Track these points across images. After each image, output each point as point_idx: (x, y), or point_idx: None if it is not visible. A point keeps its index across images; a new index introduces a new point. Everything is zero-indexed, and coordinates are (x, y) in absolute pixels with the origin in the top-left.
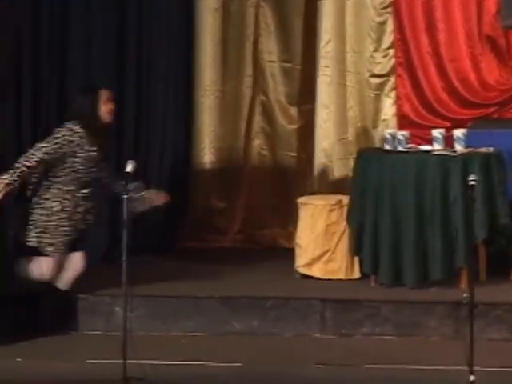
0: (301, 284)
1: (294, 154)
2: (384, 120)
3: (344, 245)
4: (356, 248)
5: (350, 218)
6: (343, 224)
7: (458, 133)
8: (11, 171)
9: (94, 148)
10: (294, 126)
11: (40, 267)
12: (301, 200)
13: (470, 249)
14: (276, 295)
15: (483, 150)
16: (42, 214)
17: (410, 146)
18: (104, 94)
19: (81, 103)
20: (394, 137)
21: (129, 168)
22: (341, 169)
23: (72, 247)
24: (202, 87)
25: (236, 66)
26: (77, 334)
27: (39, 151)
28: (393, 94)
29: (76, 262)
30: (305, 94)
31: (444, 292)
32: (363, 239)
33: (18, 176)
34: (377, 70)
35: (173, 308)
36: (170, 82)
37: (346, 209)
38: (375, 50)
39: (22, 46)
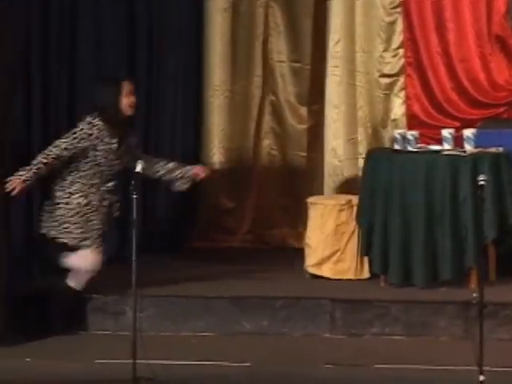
0: (310, 284)
1: (304, 154)
2: (394, 120)
3: (354, 245)
4: (365, 248)
5: (359, 217)
6: (353, 224)
7: (468, 133)
8: (28, 168)
9: (115, 140)
10: (304, 126)
11: (79, 262)
12: (310, 200)
13: (480, 249)
14: (286, 295)
15: (493, 149)
16: (68, 210)
17: (419, 145)
18: (126, 87)
19: (102, 95)
20: (403, 137)
21: (138, 168)
22: (350, 169)
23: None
24: (212, 87)
25: (245, 65)
26: (86, 333)
27: (57, 148)
28: (402, 93)
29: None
30: (314, 94)
31: (453, 292)
32: (373, 239)
33: (35, 173)
34: (386, 70)
35: (183, 308)
36: (179, 82)
37: (355, 209)
38: (385, 50)
39: (31, 40)
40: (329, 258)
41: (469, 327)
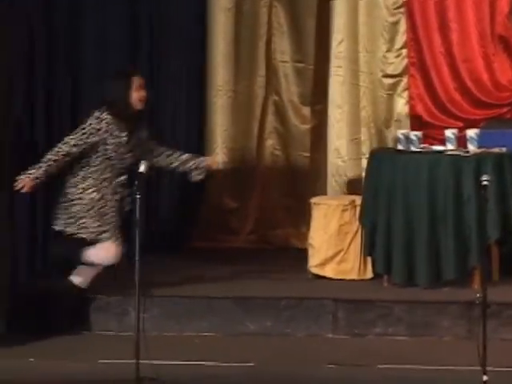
0: (314, 284)
1: (307, 154)
2: (397, 120)
3: (357, 245)
4: (369, 248)
5: (362, 218)
6: (356, 224)
7: (471, 133)
8: (37, 166)
9: (124, 134)
10: (307, 126)
11: (101, 255)
12: (314, 200)
13: (483, 249)
14: (289, 295)
15: (496, 150)
16: (83, 205)
17: (422, 146)
18: (137, 81)
19: (112, 89)
20: (406, 137)
21: (142, 168)
22: (353, 169)
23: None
24: (215, 87)
25: (249, 65)
26: (89, 334)
27: (66, 144)
28: (405, 94)
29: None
30: (317, 94)
31: (457, 292)
32: (376, 239)
33: (45, 170)
34: (389, 70)
35: (186, 308)
36: (182, 82)
37: (358, 209)
38: (388, 50)
39: (34, 41)
40: (332, 258)
41: (472, 327)
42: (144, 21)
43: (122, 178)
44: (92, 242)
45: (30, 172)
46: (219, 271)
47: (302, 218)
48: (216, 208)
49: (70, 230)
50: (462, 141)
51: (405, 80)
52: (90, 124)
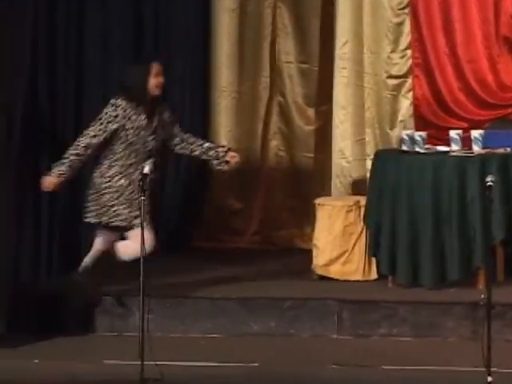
0: (318, 285)
1: (311, 155)
2: (401, 121)
3: (361, 246)
4: (373, 249)
5: (367, 218)
6: (360, 225)
7: (476, 134)
8: (60, 162)
9: (143, 116)
10: (311, 127)
11: (137, 245)
12: (318, 201)
13: (488, 249)
14: (293, 296)
15: (501, 150)
16: (113, 193)
17: (427, 146)
18: (155, 68)
19: (131, 74)
20: (411, 138)
21: (146, 169)
22: (358, 170)
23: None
24: (219, 88)
25: (253, 66)
26: (94, 335)
27: (86, 137)
28: (410, 95)
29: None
30: (322, 95)
31: (461, 293)
32: (380, 240)
33: (69, 166)
34: (394, 71)
35: (190, 309)
36: (186, 83)
37: (363, 210)
38: (392, 51)
39: (38, 43)
40: (336, 258)
41: (477, 328)
42: (147, 22)
43: (149, 161)
44: (123, 238)
45: (53, 170)
46: (223, 272)
47: (306, 218)
48: (220, 208)
49: (103, 219)
50: (466, 141)
51: (409, 81)
52: (106, 112)
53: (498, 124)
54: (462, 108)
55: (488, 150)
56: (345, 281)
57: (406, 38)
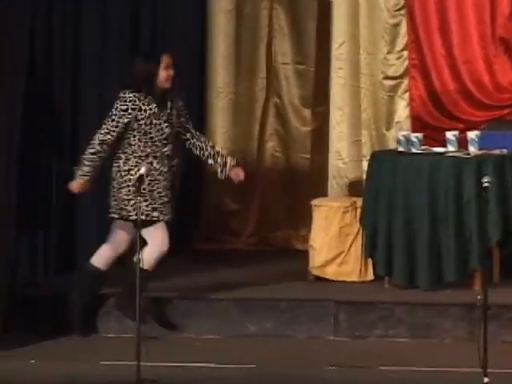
0: (314, 286)
1: (308, 156)
2: (398, 122)
3: (358, 247)
4: (370, 250)
5: (363, 219)
6: (357, 226)
7: (472, 135)
8: (81, 164)
9: (154, 105)
10: (308, 128)
11: (156, 246)
12: (314, 202)
13: (484, 251)
14: (290, 297)
15: (497, 151)
16: (129, 187)
17: (423, 147)
18: (165, 60)
19: (141, 66)
20: (407, 139)
21: (142, 170)
22: (354, 171)
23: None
24: (215, 89)
25: (249, 67)
26: (93, 335)
27: (99, 134)
28: (406, 95)
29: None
30: (318, 96)
31: (458, 294)
32: (377, 241)
33: (89, 165)
34: (390, 72)
35: (186, 310)
36: (182, 84)
37: (359, 211)
38: (389, 52)
39: (34, 43)
40: (333, 259)
41: (473, 329)
42: (144, 22)
43: (166, 148)
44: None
45: (76, 173)
46: (220, 273)
47: (302, 219)
48: (217, 210)
49: (124, 214)
50: (462, 142)
51: (405, 82)
52: (117, 107)
53: (495, 125)
54: (458, 109)
55: (484, 151)
56: (341, 282)
57: (402, 39)
